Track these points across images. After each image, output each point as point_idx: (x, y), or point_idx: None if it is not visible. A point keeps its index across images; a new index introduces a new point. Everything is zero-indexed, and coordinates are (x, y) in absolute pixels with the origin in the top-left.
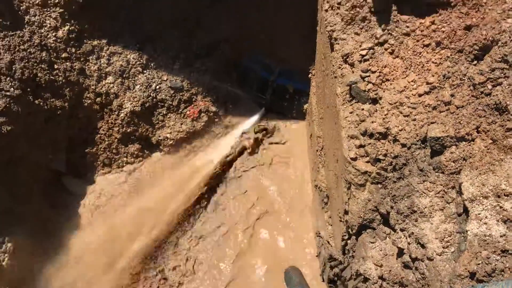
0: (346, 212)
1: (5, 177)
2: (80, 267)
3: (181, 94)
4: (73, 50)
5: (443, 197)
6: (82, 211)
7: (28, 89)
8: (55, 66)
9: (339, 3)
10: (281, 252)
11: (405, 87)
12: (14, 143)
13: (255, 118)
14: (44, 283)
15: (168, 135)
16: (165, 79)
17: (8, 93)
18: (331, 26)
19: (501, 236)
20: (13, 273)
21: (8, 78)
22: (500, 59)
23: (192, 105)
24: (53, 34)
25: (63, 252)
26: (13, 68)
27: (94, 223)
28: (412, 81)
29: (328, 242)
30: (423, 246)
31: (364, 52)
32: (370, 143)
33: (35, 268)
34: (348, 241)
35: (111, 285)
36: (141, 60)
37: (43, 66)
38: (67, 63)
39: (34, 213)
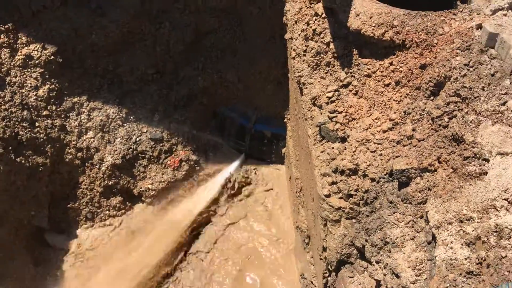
0: (324, 249)
1: None
2: None
3: (161, 145)
4: (54, 107)
5: (413, 226)
6: (65, 267)
7: (10, 148)
8: (36, 124)
9: (304, 51)
10: None
11: (370, 124)
12: None
13: (235, 164)
14: None
15: (149, 186)
16: (145, 131)
17: None
18: (298, 72)
19: (465, 259)
20: None
21: None
22: (453, 94)
23: (173, 155)
24: (34, 93)
25: None
26: None
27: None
28: (376, 118)
29: (312, 282)
30: (397, 276)
31: (330, 95)
32: (341, 180)
33: None
34: (329, 278)
35: None
36: (121, 114)
37: (24, 124)
38: (48, 121)
39: (17, 270)
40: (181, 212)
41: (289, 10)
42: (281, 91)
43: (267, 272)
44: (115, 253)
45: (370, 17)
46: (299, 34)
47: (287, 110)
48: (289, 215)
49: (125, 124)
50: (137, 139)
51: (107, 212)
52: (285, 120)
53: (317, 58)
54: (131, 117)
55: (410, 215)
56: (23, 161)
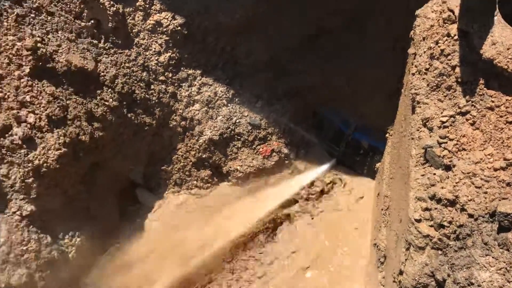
0: (401, 273)
1: (88, 177)
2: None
3: (258, 131)
4: (170, 75)
5: (504, 274)
6: (148, 223)
7: (124, 103)
8: (152, 87)
9: (426, 69)
10: None
11: (481, 159)
12: (102, 148)
13: (325, 167)
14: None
15: (238, 167)
16: (245, 115)
17: (107, 103)
18: (415, 90)
19: None
20: (76, 264)
21: (109, 90)
22: None
23: (266, 143)
24: (156, 58)
25: (123, 257)
26: (116, 82)
27: (158, 235)
28: (489, 154)
29: None
30: None
31: (444, 119)
32: (436, 208)
33: (95, 265)
34: None
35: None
36: (228, 94)
37: (141, 84)
38: (163, 86)
39: (106, 216)
40: (264, 198)
41: (419, 25)
42: (389, 104)
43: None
44: (196, 221)
45: (508, 48)
46: (425, 52)
47: (391, 125)
48: (369, 231)
49: (229, 105)
50: (237, 121)
51: (195, 182)
52: (386, 135)
53: (438, 79)
54: (236, 99)
55: (505, 262)
56: (133, 117)
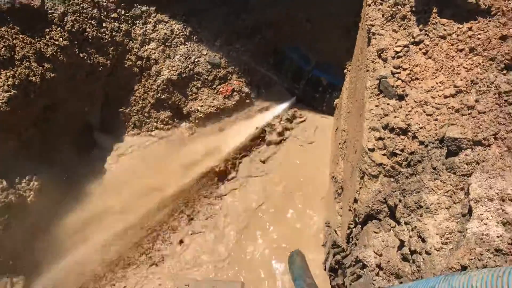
0: (355, 201)
1: (42, 121)
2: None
3: (217, 70)
4: (123, 12)
5: (451, 196)
6: (107, 166)
7: (75, 42)
8: (104, 25)
9: (382, 0)
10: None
11: (432, 87)
12: (55, 90)
13: (285, 105)
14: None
15: (199, 108)
16: (204, 53)
17: (56, 42)
18: (371, 21)
19: (497, 237)
20: (36, 210)
21: (59, 28)
22: None
23: (227, 83)
24: None
25: (85, 200)
26: (65, 20)
27: (118, 177)
28: (440, 82)
29: (335, 231)
30: (423, 240)
31: (398, 49)
32: (389, 137)
33: (56, 210)
34: (354, 229)
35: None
36: (185, 32)
37: (92, 22)
38: (115, 23)
39: (63, 160)
40: (221, 140)
41: None
42: (348, 39)
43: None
44: (153, 163)
45: None
46: None
47: (350, 61)
48: (327, 164)
49: (187, 43)
50: (196, 60)
51: (155, 123)
52: (345, 70)
53: (393, 9)
54: (194, 37)
55: (451, 185)
56: (85, 57)
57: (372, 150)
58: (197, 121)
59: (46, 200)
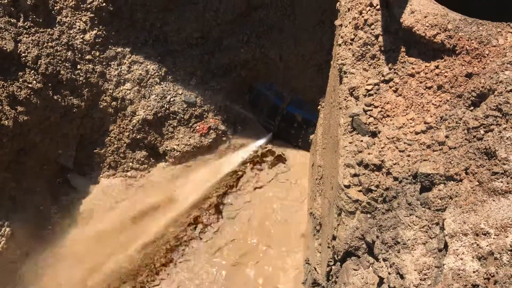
0: (334, 238)
1: (14, 165)
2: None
3: (193, 109)
4: (97, 53)
5: (427, 231)
6: (82, 209)
7: (49, 84)
8: (78, 66)
9: (352, 40)
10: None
11: (403, 124)
12: (28, 133)
13: (261, 141)
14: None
15: (175, 147)
16: (180, 93)
17: (30, 85)
18: (342, 60)
19: (473, 272)
20: (7, 256)
21: (33, 71)
22: (494, 107)
23: (203, 121)
24: (81, 36)
25: (59, 244)
26: (38, 63)
27: (92, 221)
28: (411, 119)
29: (315, 268)
30: (402, 276)
31: (369, 87)
32: (364, 173)
33: (29, 255)
34: (333, 267)
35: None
36: (160, 72)
37: (66, 64)
38: (90, 65)
39: (36, 203)
40: (202, 176)
41: None
42: (320, 77)
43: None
44: (131, 204)
45: (425, 17)
46: (350, 22)
47: (323, 97)
48: (305, 201)
49: (162, 83)
50: (171, 99)
51: (131, 164)
52: (318, 107)
53: (363, 49)
54: (169, 77)
55: (426, 220)
56: (60, 99)
57: (348, 186)
58: (173, 159)
59: (18, 244)
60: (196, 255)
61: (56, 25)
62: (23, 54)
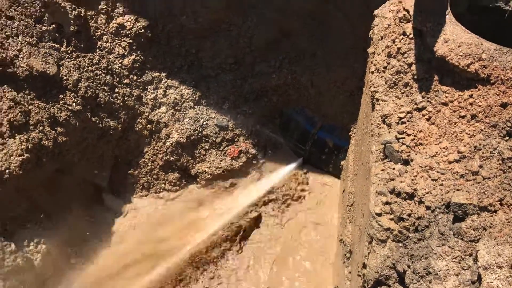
0: (364, 266)
1: (52, 183)
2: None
3: (225, 132)
4: (135, 78)
5: (459, 262)
6: (115, 228)
7: (88, 106)
8: (116, 90)
9: (385, 67)
10: None
11: (436, 152)
12: (66, 153)
13: (292, 166)
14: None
15: (206, 169)
16: (213, 116)
17: (70, 107)
18: (374, 87)
19: None
20: (42, 272)
21: (73, 94)
22: None
23: (234, 144)
24: (120, 61)
25: (92, 262)
26: (79, 86)
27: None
28: (444, 148)
29: None
30: None
31: (402, 115)
32: (396, 202)
33: (62, 271)
34: None
35: None
36: (194, 96)
37: (105, 88)
38: (127, 89)
39: (71, 222)
40: (230, 201)
41: (377, 25)
42: (352, 103)
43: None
44: (162, 225)
45: (459, 46)
46: (383, 50)
47: (354, 124)
48: (335, 227)
49: (196, 107)
50: (204, 123)
51: (163, 185)
52: (350, 133)
53: (396, 76)
54: (203, 101)
55: (459, 250)
56: (97, 121)
57: (380, 214)
58: (204, 182)
59: (52, 262)
60: (223, 282)
61: (97, 50)
62: (64, 78)
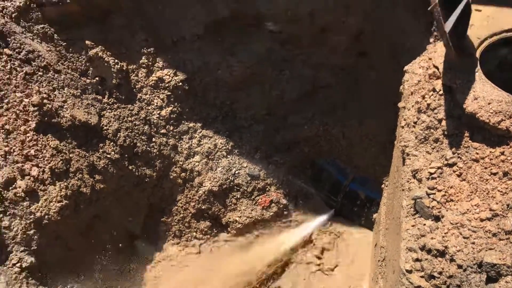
0: None
1: (88, 229)
2: None
3: (256, 182)
4: (171, 128)
5: None
6: (147, 276)
7: (126, 155)
8: (153, 139)
9: (415, 123)
10: None
11: (468, 209)
12: (103, 200)
13: (323, 218)
14: None
15: (237, 218)
16: (245, 166)
17: (108, 156)
18: (405, 142)
19: None
20: None
21: (112, 143)
22: None
23: (265, 194)
24: (158, 112)
25: None
26: (118, 135)
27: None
28: (475, 205)
29: None
30: None
31: (432, 171)
32: (427, 259)
33: None
34: None
35: None
36: (227, 146)
37: (143, 137)
38: (164, 138)
39: (104, 268)
40: (260, 251)
41: (407, 81)
42: (384, 156)
43: None
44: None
45: (489, 103)
46: (413, 106)
47: (386, 176)
48: (367, 282)
49: (228, 156)
50: (236, 172)
51: (194, 233)
52: (382, 185)
53: (426, 132)
54: (236, 151)
55: None
56: (134, 169)
57: (410, 271)
58: (235, 231)
59: None
60: None
61: (136, 102)
62: (105, 127)
